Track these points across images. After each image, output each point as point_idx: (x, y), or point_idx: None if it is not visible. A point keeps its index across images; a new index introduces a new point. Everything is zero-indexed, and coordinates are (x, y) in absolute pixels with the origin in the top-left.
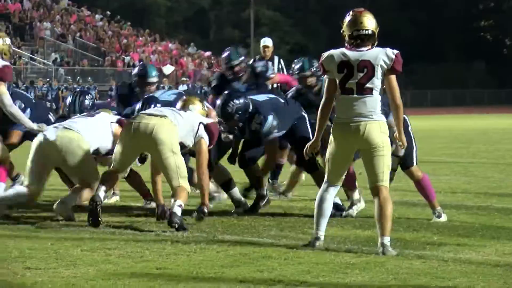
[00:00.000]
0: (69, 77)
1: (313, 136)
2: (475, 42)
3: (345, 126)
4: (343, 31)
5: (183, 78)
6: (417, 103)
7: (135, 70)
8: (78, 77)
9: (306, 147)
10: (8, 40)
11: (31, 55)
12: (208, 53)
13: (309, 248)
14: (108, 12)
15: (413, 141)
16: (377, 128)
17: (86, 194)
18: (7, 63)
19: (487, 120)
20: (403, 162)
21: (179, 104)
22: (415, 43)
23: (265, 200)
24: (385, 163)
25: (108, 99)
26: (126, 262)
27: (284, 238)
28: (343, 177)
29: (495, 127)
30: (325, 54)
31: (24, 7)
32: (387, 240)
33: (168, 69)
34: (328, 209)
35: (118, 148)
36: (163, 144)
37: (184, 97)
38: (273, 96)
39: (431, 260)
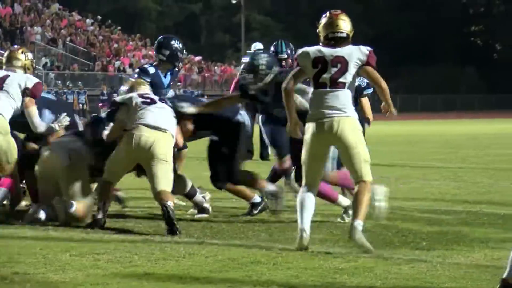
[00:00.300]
0: (59, 82)
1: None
2: (466, 47)
3: (318, 125)
4: (319, 31)
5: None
6: (408, 108)
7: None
8: (68, 82)
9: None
10: (30, 55)
11: None
12: (198, 58)
13: (298, 245)
14: (99, 17)
15: None
16: (350, 125)
17: (82, 208)
18: (39, 80)
19: (477, 125)
20: None
21: (125, 87)
22: (408, 47)
23: (259, 208)
24: (361, 158)
25: (100, 104)
26: (115, 267)
27: (273, 243)
28: (320, 179)
29: (485, 132)
30: (300, 51)
31: (15, 11)
32: (357, 222)
33: None
34: (311, 205)
35: (115, 159)
36: (157, 156)
37: (130, 81)
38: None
39: (420, 265)
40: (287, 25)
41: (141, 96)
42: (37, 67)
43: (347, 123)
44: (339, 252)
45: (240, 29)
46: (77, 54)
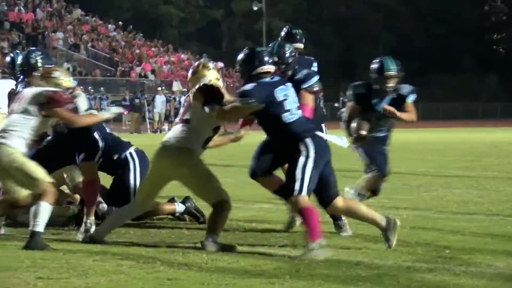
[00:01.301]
0: (82, 87)
1: None
2: (487, 55)
3: (161, 151)
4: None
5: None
6: (430, 116)
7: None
8: (90, 87)
9: None
10: None
11: None
12: (220, 64)
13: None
14: (121, 22)
15: None
16: (186, 158)
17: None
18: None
19: (499, 133)
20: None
21: None
22: (430, 55)
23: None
24: (206, 187)
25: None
26: (138, 273)
27: (295, 250)
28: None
29: (508, 140)
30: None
31: (37, 16)
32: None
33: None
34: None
35: None
36: None
37: None
38: None
39: (442, 274)
40: (308, 33)
41: None
42: None
43: (184, 155)
44: (362, 260)
45: (261, 36)
46: (99, 60)
